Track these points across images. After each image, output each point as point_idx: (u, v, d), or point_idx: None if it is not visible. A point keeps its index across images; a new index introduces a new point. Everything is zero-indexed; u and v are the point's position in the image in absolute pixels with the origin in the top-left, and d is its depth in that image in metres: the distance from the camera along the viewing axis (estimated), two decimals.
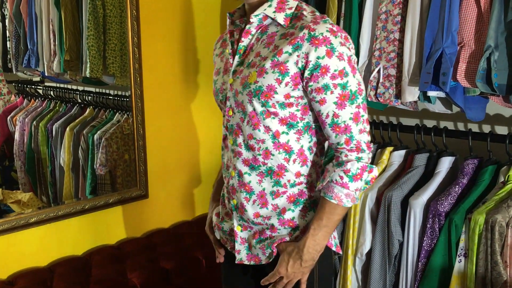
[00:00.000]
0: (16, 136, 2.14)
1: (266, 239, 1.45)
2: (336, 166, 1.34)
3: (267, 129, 1.36)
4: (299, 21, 1.33)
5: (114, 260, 2.10)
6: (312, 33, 1.28)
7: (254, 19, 1.37)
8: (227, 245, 1.55)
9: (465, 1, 1.68)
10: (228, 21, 1.46)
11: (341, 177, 1.32)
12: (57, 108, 2.24)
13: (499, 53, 1.60)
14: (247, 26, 1.39)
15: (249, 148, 1.39)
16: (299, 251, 1.37)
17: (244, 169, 1.41)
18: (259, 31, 1.39)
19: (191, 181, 2.54)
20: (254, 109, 1.35)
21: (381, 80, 1.88)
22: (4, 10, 2.01)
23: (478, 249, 1.60)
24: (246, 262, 1.49)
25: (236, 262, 1.50)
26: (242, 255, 1.49)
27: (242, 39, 1.40)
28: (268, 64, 1.31)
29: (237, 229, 1.48)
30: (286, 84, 1.30)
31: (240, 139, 1.40)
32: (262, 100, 1.33)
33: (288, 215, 1.42)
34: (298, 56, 1.29)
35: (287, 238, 1.42)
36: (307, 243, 1.36)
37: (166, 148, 2.40)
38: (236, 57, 1.41)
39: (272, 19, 1.36)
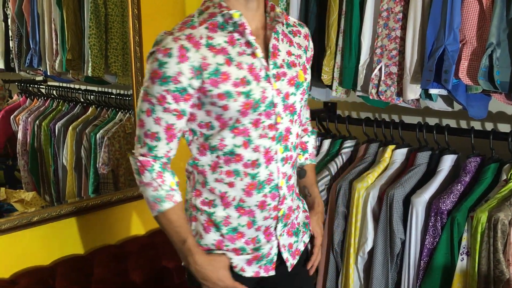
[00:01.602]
0: (19, 135, 2.15)
1: (298, 227, 1.50)
2: (312, 135, 1.64)
3: (300, 121, 1.44)
4: (287, 19, 1.44)
5: (116, 259, 2.10)
6: (307, 29, 1.53)
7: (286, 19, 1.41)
8: (261, 273, 1.42)
9: None
10: (245, 21, 1.29)
11: (315, 141, 1.67)
12: (59, 107, 2.25)
13: (501, 50, 1.59)
14: (278, 26, 1.36)
15: (295, 148, 1.41)
16: (322, 212, 1.62)
17: (291, 171, 1.41)
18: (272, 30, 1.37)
19: None
20: (301, 107, 1.41)
21: (382, 78, 1.87)
22: (7, 9, 2.02)
23: (481, 247, 1.59)
24: (295, 262, 1.49)
25: (289, 270, 1.47)
26: (290, 261, 1.46)
27: (274, 40, 1.34)
28: (304, 61, 1.44)
29: (279, 239, 1.44)
30: None
31: (289, 143, 1.37)
32: (306, 95, 1.44)
33: (296, 190, 1.53)
34: (308, 50, 1.49)
35: (306, 208, 1.58)
36: (320, 200, 1.63)
37: None
38: (269, 59, 1.32)
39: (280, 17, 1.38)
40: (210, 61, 1.26)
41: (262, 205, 1.36)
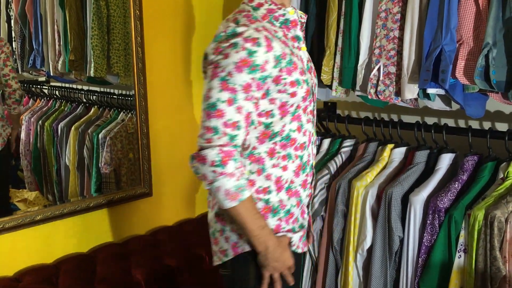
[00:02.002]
0: (22, 135, 2.16)
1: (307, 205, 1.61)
2: None
3: None
4: None
5: (118, 257, 2.12)
6: None
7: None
8: (304, 249, 1.57)
9: None
10: (297, 18, 1.46)
11: None
12: (62, 107, 2.26)
13: (497, 50, 1.61)
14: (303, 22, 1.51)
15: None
16: None
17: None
18: None
19: (194, 179, 2.54)
20: None
21: (381, 78, 1.89)
22: (10, 10, 2.04)
23: (478, 244, 1.61)
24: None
25: (306, 249, 1.61)
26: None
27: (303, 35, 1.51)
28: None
29: (310, 215, 1.61)
30: None
31: (315, 128, 1.56)
32: None
33: None
34: None
35: None
36: None
37: (169, 146, 2.42)
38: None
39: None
40: (285, 51, 1.36)
41: (304, 184, 1.50)
